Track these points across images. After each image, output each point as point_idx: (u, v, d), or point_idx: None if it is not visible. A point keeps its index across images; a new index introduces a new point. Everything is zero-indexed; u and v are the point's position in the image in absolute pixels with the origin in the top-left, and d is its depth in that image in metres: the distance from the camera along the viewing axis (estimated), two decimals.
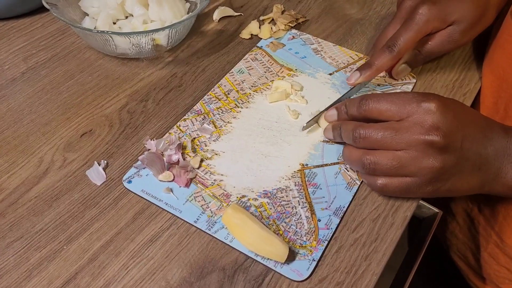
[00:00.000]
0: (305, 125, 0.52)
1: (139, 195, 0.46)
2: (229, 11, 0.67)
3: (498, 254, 0.58)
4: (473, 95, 0.59)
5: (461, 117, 0.43)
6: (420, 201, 0.51)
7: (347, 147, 0.47)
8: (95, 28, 0.60)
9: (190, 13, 0.61)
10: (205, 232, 0.44)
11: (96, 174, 0.48)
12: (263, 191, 0.47)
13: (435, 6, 0.51)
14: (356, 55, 0.62)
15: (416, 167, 0.42)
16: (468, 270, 0.65)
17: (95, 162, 0.49)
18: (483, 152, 0.43)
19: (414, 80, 0.59)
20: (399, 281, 0.61)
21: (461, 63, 0.62)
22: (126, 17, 0.63)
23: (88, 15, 0.62)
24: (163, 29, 0.54)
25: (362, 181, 0.48)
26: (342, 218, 0.46)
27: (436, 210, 0.59)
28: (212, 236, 0.44)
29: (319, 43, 0.64)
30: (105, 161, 0.49)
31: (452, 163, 0.42)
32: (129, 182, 0.47)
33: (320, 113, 0.52)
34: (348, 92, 0.55)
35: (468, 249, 0.63)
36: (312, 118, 0.52)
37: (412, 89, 0.58)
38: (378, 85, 0.58)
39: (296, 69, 0.60)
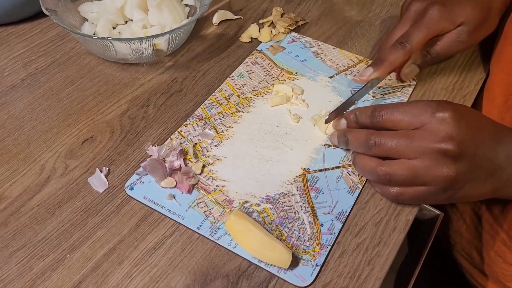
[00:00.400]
0: (327, 117, 0.51)
1: (141, 202, 0.46)
2: (229, 15, 0.67)
3: (506, 253, 0.58)
4: (473, 96, 0.59)
5: (474, 125, 0.43)
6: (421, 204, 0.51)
7: (359, 156, 0.47)
8: (94, 33, 0.60)
9: (190, 18, 0.61)
10: (208, 238, 0.44)
11: (98, 181, 0.48)
12: (266, 196, 0.47)
13: (444, 8, 0.52)
14: (356, 57, 0.62)
15: (431, 176, 0.42)
16: (472, 269, 0.65)
17: (97, 169, 0.49)
18: (495, 158, 0.43)
19: (414, 83, 0.59)
20: (401, 283, 0.61)
21: (461, 65, 0.62)
22: (126, 22, 0.63)
23: (87, 20, 0.62)
24: (163, 34, 0.54)
25: (364, 185, 0.48)
26: (344, 222, 0.46)
27: (437, 212, 0.59)
28: (215, 242, 0.44)
29: (319, 46, 0.63)
30: (107, 168, 0.49)
31: (465, 171, 0.42)
32: (131, 189, 0.47)
33: (339, 106, 0.52)
34: (357, 92, 0.54)
35: (473, 248, 0.63)
36: (335, 110, 0.51)
37: (413, 91, 0.58)
38: (379, 87, 0.58)
39: (296, 73, 0.60)
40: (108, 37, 0.53)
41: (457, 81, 0.60)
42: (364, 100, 0.56)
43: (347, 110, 0.53)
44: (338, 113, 0.51)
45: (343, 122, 0.50)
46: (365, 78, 0.54)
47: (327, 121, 0.51)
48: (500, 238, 0.58)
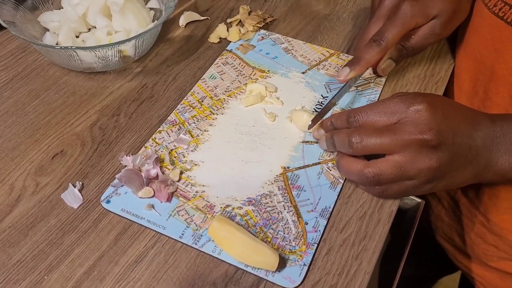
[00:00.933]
0: (310, 123, 0.50)
1: (119, 215, 0.45)
2: (195, 16, 0.66)
3: (485, 233, 0.59)
4: (445, 82, 0.59)
5: (449, 113, 0.44)
6: None
7: (343, 158, 0.46)
8: (57, 43, 0.58)
9: (156, 21, 0.59)
10: (191, 247, 0.43)
11: (72, 197, 0.46)
12: (247, 198, 0.46)
13: (417, 3, 0.53)
14: (327, 51, 0.62)
15: (415, 170, 0.42)
16: (454, 251, 0.66)
17: (70, 184, 0.47)
18: (473, 144, 0.44)
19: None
20: (387, 272, 0.61)
21: (431, 53, 0.63)
22: (89, 30, 0.61)
23: (48, 30, 0.59)
24: (129, 39, 0.53)
25: (345, 179, 0.48)
26: (329, 219, 0.45)
27: (418, 200, 0.60)
28: (199, 250, 0.43)
29: (289, 42, 0.63)
30: (80, 182, 0.47)
31: (446, 160, 0.42)
32: (108, 202, 0.46)
33: (321, 110, 0.51)
34: (336, 93, 0.53)
35: (454, 231, 0.64)
36: (317, 114, 0.51)
37: (386, 81, 0.58)
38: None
39: (268, 70, 0.59)
40: (71, 46, 0.51)
41: (428, 68, 0.60)
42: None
43: (330, 112, 0.53)
44: (320, 116, 0.51)
45: (321, 132, 0.50)
46: (342, 79, 0.54)
47: (309, 127, 0.50)
48: (478, 220, 0.59)
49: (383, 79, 0.58)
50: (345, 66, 0.54)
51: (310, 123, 0.50)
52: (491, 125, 0.45)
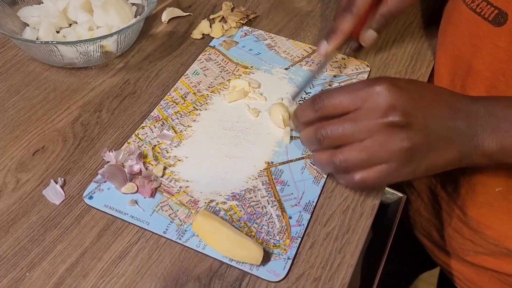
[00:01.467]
0: (290, 97, 0.52)
1: (102, 211, 0.44)
2: (178, 12, 0.66)
3: (462, 228, 0.59)
4: (425, 78, 0.60)
5: (420, 94, 0.43)
6: (385, 188, 0.52)
7: (315, 153, 0.46)
8: (37, 38, 0.57)
9: (138, 17, 0.59)
10: (175, 242, 0.43)
11: (54, 193, 0.45)
12: (231, 193, 0.46)
13: None
14: (310, 47, 0.62)
15: (387, 151, 0.41)
16: (432, 246, 0.67)
17: (51, 181, 0.46)
18: (452, 124, 0.43)
19: (369, 69, 0.60)
20: (370, 265, 0.62)
21: (411, 49, 0.63)
22: (70, 25, 0.60)
23: (28, 25, 0.58)
24: (111, 35, 0.52)
25: (328, 174, 0.48)
26: (312, 213, 0.46)
27: (400, 194, 0.61)
28: (183, 245, 0.43)
29: (272, 38, 0.63)
30: (62, 179, 0.47)
31: (420, 141, 0.42)
32: (90, 198, 0.45)
33: (304, 82, 0.53)
34: (319, 67, 0.55)
35: (432, 226, 0.65)
36: (299, 87, 0.52)
37: (368, 77, 0.59)
38: (335, 76, 0.58)
39: (251, 66, 0.59)
40: (52, 41, 0.51)
41: (409, 65, 0.61)
42: (322, 90, 0.56)
43: (310, 85, 0.55)
44: (301, 89, 0.52)
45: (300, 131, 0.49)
46: (323, 53, 0.54)
47: (293, 98, 0.52)
48: (456, 214, 0.60)
49: (365, 75, 0.59)
50: (322, 40, 0.54)
51: (290, 98, 0.52)
52: (473, 105, 0.44)
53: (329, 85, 0.57)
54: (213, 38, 0.63)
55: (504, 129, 0.43)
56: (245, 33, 0.64)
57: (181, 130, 0.51)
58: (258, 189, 0.47)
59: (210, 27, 0.64)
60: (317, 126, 0.44)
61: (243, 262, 0.41)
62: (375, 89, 0.42)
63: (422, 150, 0.42)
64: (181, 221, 0.44)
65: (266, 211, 0.45)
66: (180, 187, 0.46)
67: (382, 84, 0.42)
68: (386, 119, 0.41)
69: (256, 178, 0.48)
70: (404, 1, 0.56)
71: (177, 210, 0.45)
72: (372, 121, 0.41)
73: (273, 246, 0.43)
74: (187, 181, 0.47)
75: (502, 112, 0.44)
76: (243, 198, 0.46)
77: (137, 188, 0.46)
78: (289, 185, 0.47)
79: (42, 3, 0.60)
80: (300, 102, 0.54)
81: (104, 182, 0.46)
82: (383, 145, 0.41)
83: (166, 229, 0.43)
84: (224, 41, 0.62)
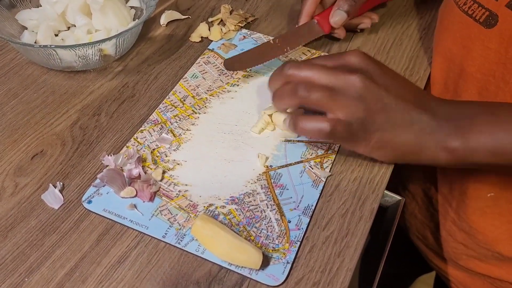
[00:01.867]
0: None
1: (101, 215, 0.44)
2: (176, 15, 0.66)
3: (455, 232, 0.60)
4: (424, 82, 0.60)
5: (386, 70, 0.46)
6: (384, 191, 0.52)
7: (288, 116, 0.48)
8: (35, 42, 0.57)
9: (137, 20, 0.59)
10: (175, 246, 0.43)
11: (53, 198, 0.45)
12: (230, 197, 0.46)
13: None
14: (309, 50, 0.62)
15: (343, 80, 0.44)
16: (427, 250, 0.67)
17: (50, 185, 0.46)
18: (415, 111, 0.44)
19: None
20: (368, 268, 0.62)
21: (409, 52, 0.63)
22: (69, 28, 0.60)
23: (26, 28, 0.58)
24: (110, 38, 0.52)
25: (327, 178, 0.48)
26: (311, 217, 0.46)
27: (398, 197, 0.61)
28: (182, 249, 0.43)
29: None
30: (61, 183, 0.47)
31: (377, 95, 0.44)
32: (89, 202, 0.45)
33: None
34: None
35: (427, 229, 0.65)
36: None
37: None
38: None
39: (250, 70, 0.59)
40: (51, 45, 0.51)
41: (407, 68, 0.61)
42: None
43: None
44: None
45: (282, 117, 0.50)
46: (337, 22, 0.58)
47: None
48: (450, 217, 0.60)
49: None
50: (337, 9, 0.57)
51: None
52: (443, 106, 0.46)
53: None
54: (212, 41, 0.63)
55: (472, 130, 0.44)
56: (244, 36, 0.64)
57: (180, 134, 0.51)
58: (257, 193, 0.47)
59: (209, 30, 0.64)
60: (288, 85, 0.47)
61: (242, 267, 0.41)
62: (348, 52, 0.46)
63: (379, 107, 0.44)
64: (180, 225, 0.44)
65: (265, 215, 0.45)
66: (179, 191, 0.46)
67: (355, 50, 0.46)
68: (347, 57, 0.46)
69: (255, 182, 0.48)
70: None
71: (176, 214, 0.45)
72: (336, 64, 0.46)
73: (272, 250, 0.43)
74: (186, 185, 0.47)
75: (471, 113, 0.45)
76: (242, 202, 0.46)
77: (136, 192, 0.46)
78: (288, 189, 0.47)
79: (41, 6, 0.60)
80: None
81: (103, 186, 0.46)
82: (340, 74, 0.44)
83: (165, 234, 0.43)
84: (223, 44, 0.62)
